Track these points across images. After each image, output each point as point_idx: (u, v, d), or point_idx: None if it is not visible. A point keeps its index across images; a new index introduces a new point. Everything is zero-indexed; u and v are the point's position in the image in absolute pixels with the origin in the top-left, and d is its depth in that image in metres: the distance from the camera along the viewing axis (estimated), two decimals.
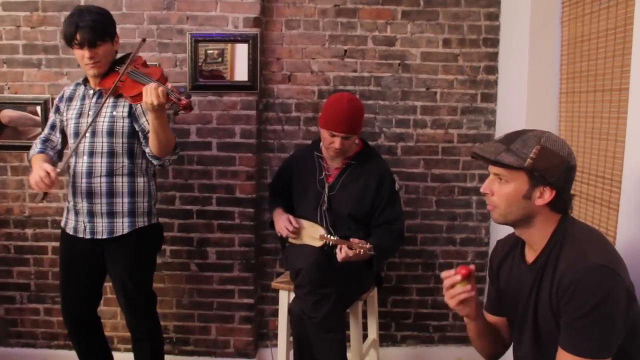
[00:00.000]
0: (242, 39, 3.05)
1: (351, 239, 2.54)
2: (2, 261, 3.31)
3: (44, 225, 3.27)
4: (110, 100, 2.40)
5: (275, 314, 3.24)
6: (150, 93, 2.17)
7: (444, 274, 1.67)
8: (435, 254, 3.31)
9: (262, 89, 3.16)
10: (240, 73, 3.09)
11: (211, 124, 3.11)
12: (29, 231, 3.29)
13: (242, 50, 3.07)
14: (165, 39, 3.10)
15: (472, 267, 1.64)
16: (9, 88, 3.20)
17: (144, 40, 2.52)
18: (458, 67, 3.21)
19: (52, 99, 3.15)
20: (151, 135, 2.33)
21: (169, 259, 3.20)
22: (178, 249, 3.20)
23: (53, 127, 2.57)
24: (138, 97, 2.29)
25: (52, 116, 2.58)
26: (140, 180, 2.50)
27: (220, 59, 3.07)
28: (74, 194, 2.46)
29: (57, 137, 2.58)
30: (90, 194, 2.43)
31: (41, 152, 2.50)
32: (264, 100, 3.19)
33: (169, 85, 2.24)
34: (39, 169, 2.25)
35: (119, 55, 2.54)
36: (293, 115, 3.21)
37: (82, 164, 2.43)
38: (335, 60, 3.19)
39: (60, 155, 2.62)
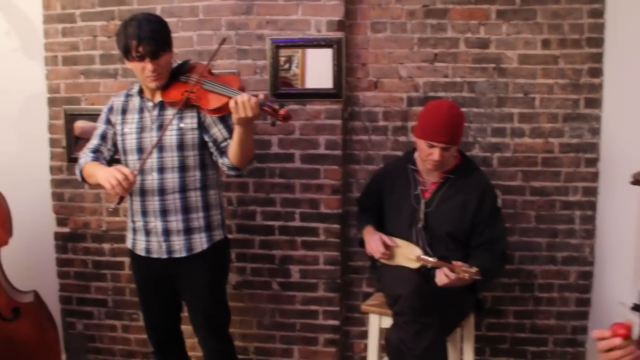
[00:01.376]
0: (326, 43, 2.89)
1: (453, 262, 2.34)
2: (81, 276, 3.27)
3: (121, 240, 3.17)
4: (175, 111, 2.25)
5: (361, 336, 3.07)
6: (244, 106, 2.03)
7: (596, 334, 1.42)
8: (534, 274, 3.06)
9: (347, 97, 2.98)
10: (315, 80, 2.94)
11: (294, 135, 2.96)
12: (106, 246, 3.22)
13: (316, 56, 2.92)
14: (245, 45, 2.96)
15: (628, 322, 1.40)
16: (86, 99, 3.14)
17: (224, 40, 2.38)
18: (559, 70, 2.95)
19: None
20: (235, 147, 2.19)
21: (250, 277, 3.07)
22: (259, 266, 3.06)
23: (103, 137, 2.40)
24: (220, 109, 2.16)
25: (101, 126, 2.41)
26: (212, 193, 2.39)
27: (288, 65, 2.93)
28: (144, 213, 2.34)
29: (107, 149, 2.41)
30: (164, 212, 2.31)
31: (95, 160, 2.35)
32: (349, 109, 3.02)
33: (261, 95, 2.09)
34: (114, 171, 2.08)
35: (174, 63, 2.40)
36: (380, 124, 3.02)
37: (152, 181, 2.29)
38: (425, 65, 2.98)
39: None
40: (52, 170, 3.24)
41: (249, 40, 2.95)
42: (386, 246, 2.55)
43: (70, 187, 3.22)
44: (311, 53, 2.93)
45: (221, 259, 2.48)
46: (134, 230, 2.42)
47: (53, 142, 3.22)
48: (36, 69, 3.19)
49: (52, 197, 3.26)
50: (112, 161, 2.41)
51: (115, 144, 2.41)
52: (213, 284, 2.42)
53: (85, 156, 2.37)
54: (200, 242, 2.35)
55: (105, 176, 2.09)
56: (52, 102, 3.20)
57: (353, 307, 3.10)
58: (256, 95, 2.08)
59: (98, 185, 2.23)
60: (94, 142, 2.40)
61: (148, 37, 2.13)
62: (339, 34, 2.89)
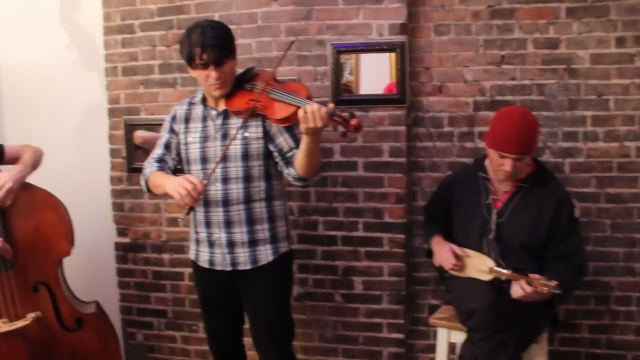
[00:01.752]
0: (389, 47, 2.81)
1: (530, 275, 2.23)
2: (141, 286, 3.27)
3: (181, 251, 3.18)
4: (239, 120, 2.20)
5: (426, 350, 2.98)
6: (313, 116, 1.96)
7: None
8: (611, 286, 2.90)
9: (410, 102, 2.89)
10: (371, 86, 2.88)
11: (357, 142, 2.88)
12: (165, 256, 3.22)
13: (371, 61, 2.86)
14: (305, 51, 2.91)
15: None
16: (145, 109, 3.14)
17: (292, 44, 2.34)
18: (635, 70, 2.79)
19: None
20: (302, 157, 2.12)
21: (312, 288, 3.01)
22: (321, 278, 3.00)
23: (167, 146, 2.36)
24: (287, 119, 2.09)
25: (165, 135, 2.37)
26: (277, 204, 2.33)
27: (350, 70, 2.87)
28: (207, 225, 2.29)
29: (172, 158, 2.36)
30: (228, 224, 2.26)
31: (160, 170, 2.31)
32: (412, 115, 2.93)
33: (331, 104, 2.02)
34: (183, 180, 2.03)
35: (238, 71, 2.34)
36: (445, 130, 2.92)
37: (216, 191, 2.23)
38: (491, 68, 2.87)
39: None
40: (113, 180, 3.26)
41: (308, 46, 2.90)
42: (457, 257, 2.45)
43: (130, 198, 3.23)
44: (365, 58, 2.86)
45: (286, 272, 2.42)
46: (197, 242, 2.38)
47: (113, 153, 3.24)
48: (96, 81, 3.21)
49: (113, 207, 3.27)
50: (176, 171, 2.37)
51: (179, 154, 2.37)
52: (277, 297, 2.36)
53: (150, 166, 2.34)
54: (265, 254, 2.29)
55: (174, 186, 2.04)
56: (112, 112, 3.21)
57: (418, 319, 3.01)
58: (325, 104, 2.01)
59: (165, 195, 2.20)
60: (158, 151, 2.37)
61: (212, 44, 2.08)
62: (401, 38, 2.81)
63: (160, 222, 3.20)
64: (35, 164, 2.58)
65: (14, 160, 2.56)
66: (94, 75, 3.23)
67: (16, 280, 2.46)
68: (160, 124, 3.02)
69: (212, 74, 2.12)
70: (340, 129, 2.01)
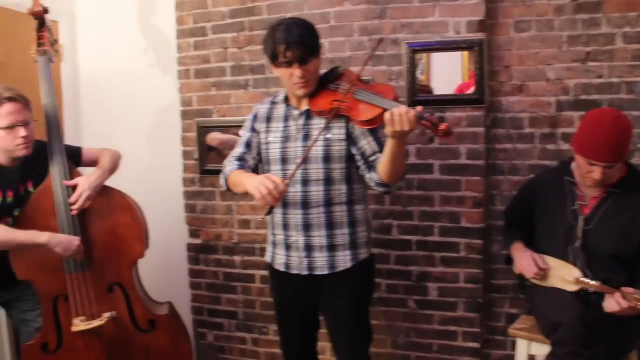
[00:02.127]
0: (467, 46, 2.71)
1: (622, 289, 2.10)
2: (212, 288, 3.30)
3: (252, 253, 3.18)
4: (322, 121, 2.14)
5: None
6: (401, 119, 1.87)
7: None
8: None
9: (489, 103, 2.78)
10: (444, 85, 2.80)
11: (433, 144, 2.79)
12: (237, 258, 3.23)
13: (443, 60, 2.78)
14: (379, 50, 2.84)
15: None
16: (217, 112, 3.16)
17: (380, 41, 2.29)
18: None
19: None
20: (386, 162, 2.03)
21: (385, 294, 2.95)
22: (395, 283, 2.93)
23: (248, 145, 2.31)
24: (373, 121, 2.02)
25: (246, 134, 2.33)
26: (359, 208, 2.25)
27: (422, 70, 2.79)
28: (286, 227, 2.25)
29: (252, 157, 2.31)
30: (307, 227, 2.20)
31: (241, 168, 2.27)
32: (491, 115, 2.82)
33: (419, 107, 1.93)
34: (265, 179, 1.97)
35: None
36: (526, 131, 2.79)
37: (296, 193, 2.17)
38: (576, 66, 2.72)
39: None
40: (185, 182, 3.30)
41: (383, 46, 2.82)
42: (540, 265, 2.34)
43: (202, 199, 3.26)
44: (436, 58, 2.78)
45: (366, 279, 2.34)
46: (274, 244, 2.34)
47: (186, 155, 3.28)
48: (171, 83, 3.26)
49: (185, 209, 3.31)
50: (256, 171, 2.33)
51: (260, 153, 2.33)
52: (355, 304, 2.29)
53: (230, 164, 2.31)
54: (344, 260, 2.22)
55: (255, 185, 1.98)
56: (185, 115, 3.25)
57: (495, 329, 2.90)
58: (413, 107, 1.93)
59: (244, 195, 2.19)
60: (239, 150, 2.32)
61: (297, 42, 2.02)
62: (480, 35, 2.70)
63: (232, 224, 3.22)
64: (113, 169, 2.63)
65: (92, 163, 2.62)
66: (170, 78, 3.28)
67: (92, 280, 2.52)
68: (232, 126, 3.09)
69: (296, 72, 2.06)
70: (428, 133, 1.93)
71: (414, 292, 2.92)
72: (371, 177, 2.13)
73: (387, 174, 2.06)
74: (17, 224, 2.44)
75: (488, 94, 2.76)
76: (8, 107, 2.28)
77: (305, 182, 2.18)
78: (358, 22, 2.86)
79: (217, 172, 3.13)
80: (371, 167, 2.13)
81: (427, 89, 2.82)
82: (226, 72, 3.14)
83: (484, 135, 2.76)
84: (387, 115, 1.90)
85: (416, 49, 2.77)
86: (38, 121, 2.42)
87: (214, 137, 3.16)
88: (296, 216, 2.21)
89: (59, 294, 2.50)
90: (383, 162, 2.04)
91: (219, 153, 3.17)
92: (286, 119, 2.24)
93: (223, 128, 3.15)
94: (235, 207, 3.20)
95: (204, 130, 3.19)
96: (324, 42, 2.89)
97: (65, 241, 2.36)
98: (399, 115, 1.87)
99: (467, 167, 2.78)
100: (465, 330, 2.86)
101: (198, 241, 3.30)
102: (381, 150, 2.06)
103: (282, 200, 2.05)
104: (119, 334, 2.57)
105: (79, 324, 2.43)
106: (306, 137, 2.17)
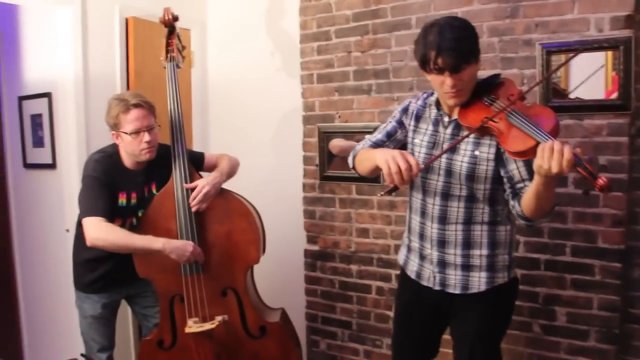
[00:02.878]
0: (609, 45, 2.44)
1: None
2: (327, 295, 3.28)
3: (369, 263, 3.11)
4: (472, 135, 1.95)
5: None
6: (548, 158, 1.59)
7: None
8: None
9: (635, 109, 2.49)
10: (583, 90, 2.53)
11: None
12: (354, 267, 3.17)
13: (582, 61, 2.50)
14: (509, 52, 2.66)
15: None
16: (339, 117, 3.13)
17: (576, 53, 2.11)
18: None
19: None
20: (530, 197, 1.80)
21: None
22: (519, 304, 2.69)
23: (390, 136, 2.17)
24: (523, 154, 1.75)
25: (391, 123, 2.18)
26: (502, 229, 2.05)
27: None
28: (421, 237, 2.12)
29: (390, 148, 2.15)
30: (442, 243, 2.06)
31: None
32: (637, 123, 2.51)
33: (578, 150, 1.60)
34: (399, 155, 1.81)
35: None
36: None
37: (434, 206, 2.03)
38: None
39: None
40: (305, 187, 3.31)
41: (514, 47, 2.65)
42: None
43: (321, 205, 3.25)
44: (575, 58, 2.51)
45: (501, 306, 2.11)
46: (409, 249, 2.21)
47: (306, 160, 3.29)
48: (295, 88, 3.30)
49: (304, 214, 3.32)
50: None
51: (400, 147, 2.15)
52: (486, 332, 2.09)
53: (363, 143, 2.19)
54: (479, 282, 2.05)
55: (387, 157, 1.82)
56: (306, 120, 3.27)
57: None
58: (573, 147, 1.63)
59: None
60: (377, 136, 2.19)
61: (449, 47, 1.80)
62: (626, 33, 2.42)
63: (350, 231, 3.17)
64: (230, 173, 2.69)
65: (212, 168, 2.70)
66: (294, 82, 3.32)
67: (207, 283, 2.58)
68: (354, 132, 3.05)
69: (448, 80, 1.86)
70: (584, 184, 1.63)
71: (540, 315, 2.67)
72: (514, 206, 1.92)
73: (530, 210, 1.83)
74: (139, 224, 2.56)
75: (634, 98, 2.47)
76: (134, 113, 2.40)
77: (446, 195, 2.02)
78: (487, 22, 2.70)
79: (338, 179, 3.16)
80: (516, 194, 1.91)
81: (563, 93, 2.58)
82: (349, 76, 3.11)
83: (628, 145, 2.46)
84: (538, 149, 1.64)
85: (551, 50, 2.55)
86: (161, 126, 2.53)
87: (335, 145, 3.14)
88: (432, 229, 2.06)
89: (176, 293, 2.59)
90: (528, 195, 1.81)
91: (341, 159, 3.14)
92: (436, 122, 2.05)
93: (345, 133, 3.12)
94: (354, 215, 3.15)
95: (325, 136, 3.18)
96: None
97: (179, 247, 2.43)
98: (548, 152, 1.61)
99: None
100: None
101: (315, 247, 3.29)
102: (531, 179, 1.81)
103: (409, 183, 1.91)
104: (229, 338, 2.60)
105: (192, 325, 2.49)
106: (452, 149, 1.98)
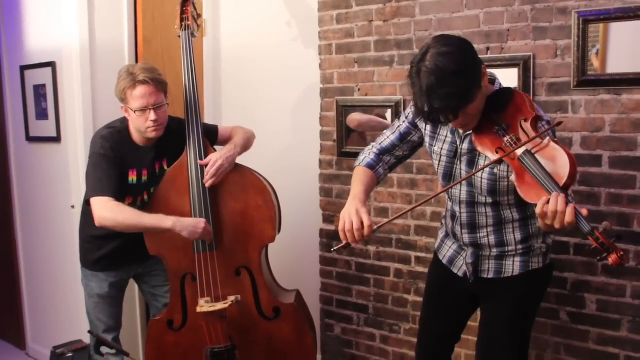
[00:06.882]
0: None
1: None
2: (343, 277, 3.25)
3: (388, 244, 3.08)
4: (487, 161, 1.94)
5: None
6: (552, 213, 1.63)
7: None
8: None
9: None
10: (625, 62, 2.43)
11: (602, 132, 2.49)
12: (371, 248, 3.14)
13: (624, 30, 2.41)
14: (543, 22, 2.58)
15: None
16: (359, 90, 3.08)
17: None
18: None
19: (404, 101, 2.92)
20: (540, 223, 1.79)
21: None
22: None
23: (403, 139, 2.18)
24: (534, 197, 1.72)
25: (404, 124, 2.17)
26: (535, 221, 2.05)
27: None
28: (455, 236, 2.19)
29: (401, 153, 2.20)
30: (476, 245, 2.11)
31: (370, 167, 2.17)
32: None
33: (585, 211, 1.63)
34: (355, 214, 1.91)
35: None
36: None
37: (462, 214, 2.10)
38: None
39: (391, 170, 2.27)
40: (322, 164, 3.27)
41: (548, 16, 2.56)
42: None
43: (338, 183, 3.21)
44: (616, 28, 2.43)
45: (534, 289, 2.16)
46: (446, 234, 2.27)
47: (324, 135, 3.24)
48: (312, 59, 3.24)
49: (320, 192, 3.28)
50: (398, 164, 2.27)
51: (412, 148, 2.22)
52: (516, 315, 2.11)
53: (367, 155, 2.21)
54: (512, 266, 2.09)
55: (345, 213, 1.94)
56: (324, 93, 3.21)
57: None
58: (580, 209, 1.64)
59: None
60: (390, 139, 2.19)
61: (440, 107, 1.77)
62: None
63: (368, 211, 3.12)
64: (245, 145, 2.66)
65: (226, 141, 2.68)
66: (311, 53, 3.25)
67: (220, 261, 2.57)
68: (374, 106, 3.00)
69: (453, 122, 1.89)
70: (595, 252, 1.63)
71: (568, 302, 2.63)
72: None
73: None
74: (151, 201, 2.55)
75: None
76: (141, 89, 2.36)
77: (472, 204, 2.06)
78: None
79: (356, 155, 3.09)
80: None
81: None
82: (370, 47, 3.04)
83: None
84: (552, 199, 1.64)
85: (588, 19, 2.47)
86: (173, 100, 2.49)
87: (353, 119, 3.09)
88: (463, 235, 2.12)
89: (187, 272, 2.59)
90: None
91: (360, 134, 3.10)
92: (453, 131, 2.05)
93: (364, 107, 3.07)
94: (373, 193, 3.10)
95: (343, 110, 3.13)
96: (479, 13, 2.70)
97: (190, 225, 2.41)
98: (553, 208, 1.63)
99: None
100: (629, 354, 2.51)
101: (331, 227, 3.26)
102: None
103: (361, 242, 1.98)
104: (242, 319, 2.60)
105: (204, 305, 2.49)
106: (470, 163, 2.01)
